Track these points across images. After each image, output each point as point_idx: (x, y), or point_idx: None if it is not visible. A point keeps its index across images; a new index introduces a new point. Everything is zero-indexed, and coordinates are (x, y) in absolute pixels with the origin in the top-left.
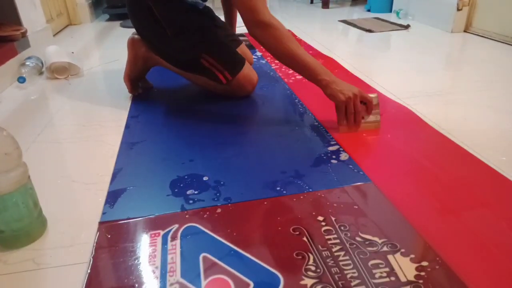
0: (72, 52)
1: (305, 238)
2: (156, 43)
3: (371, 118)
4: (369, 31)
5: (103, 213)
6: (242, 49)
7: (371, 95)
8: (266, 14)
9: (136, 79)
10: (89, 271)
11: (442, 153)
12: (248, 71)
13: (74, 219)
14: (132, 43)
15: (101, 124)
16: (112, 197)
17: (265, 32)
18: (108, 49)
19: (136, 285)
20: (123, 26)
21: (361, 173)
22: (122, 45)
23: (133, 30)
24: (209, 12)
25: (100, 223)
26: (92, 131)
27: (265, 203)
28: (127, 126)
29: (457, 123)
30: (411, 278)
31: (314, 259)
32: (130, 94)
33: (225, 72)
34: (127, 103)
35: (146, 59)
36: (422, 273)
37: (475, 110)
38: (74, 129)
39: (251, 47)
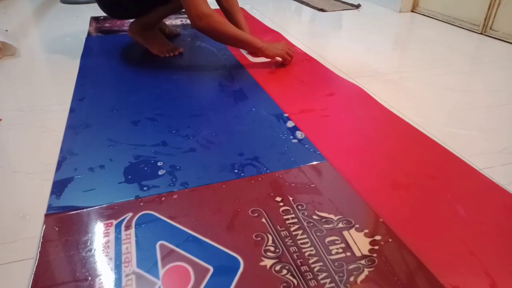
0: (6, 30)
1: (263, 220)
2: (125, 13)
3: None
4: (322, 10)
5: (49, 205)
6: None
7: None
8: (205, 6)
9: (165, 47)
10: (35, 267)
11: (392, 129)
12: None
13: (17, 212)
14: (131, 34)
15: (43, 108)
16: (59, 187)
17: (207, 21)
18: (48, 27)
19: (89, 278)
20: (63, 2)
21: (317, 152)
22: (64, 22)
23: (77, 6)
24: None
25: (46, 215)
26: (33, 117)
27: (223, 186)
28: (71, 110)
29: (405, 101)
30: (366, 252)
31: (273, 240)
32: (74, 76)
33: None
34: (71, 86)
35: (144, 29)
36: (376, 247)
37: (422, 87)
38: (13, 114)
39: None
